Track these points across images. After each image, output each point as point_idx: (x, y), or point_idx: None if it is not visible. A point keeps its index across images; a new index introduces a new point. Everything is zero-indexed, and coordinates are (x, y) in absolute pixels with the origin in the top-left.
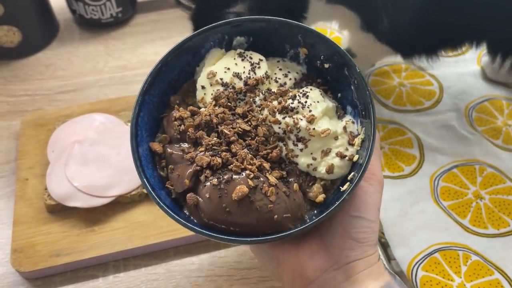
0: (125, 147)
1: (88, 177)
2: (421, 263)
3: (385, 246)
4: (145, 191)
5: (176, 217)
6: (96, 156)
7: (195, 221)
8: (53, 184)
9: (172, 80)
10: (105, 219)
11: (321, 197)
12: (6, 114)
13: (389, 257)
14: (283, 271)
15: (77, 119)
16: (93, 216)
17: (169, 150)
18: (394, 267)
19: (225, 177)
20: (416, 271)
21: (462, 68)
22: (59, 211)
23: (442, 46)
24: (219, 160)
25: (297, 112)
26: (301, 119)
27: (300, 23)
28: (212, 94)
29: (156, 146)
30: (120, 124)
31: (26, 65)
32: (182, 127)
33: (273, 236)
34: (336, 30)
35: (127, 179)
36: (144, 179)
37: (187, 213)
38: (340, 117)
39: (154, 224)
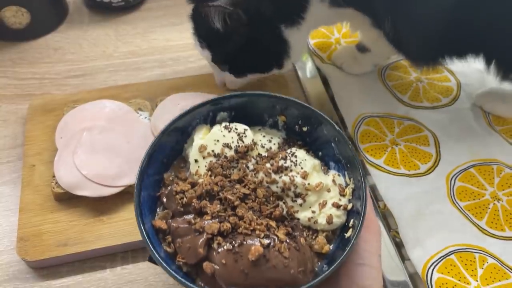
0: (135, 136)
1: (97, 166)
2: (436, 264)
3: (399, 246)
4: None
5: None
6: (105, 145)
7: None
8: (61, 172)
9: (163, 158)
10: (114, 209)
11: (327, 247)
12: (14, 97)
13: (404, 258)
14: None
15: (86, 105)
16: (102, 205)
17: (174, 224)
18: (408, 268)
19: (237, 240)
20: (432, 272)
21: (481, 65)
22: (67, 199)
23: (448, 56)
24: (228, 225)
25: (291, 170)
26: (296, 176)
27: (277, 94)
28: (205, 166)
29: (160, 223)
30: (130, 111)
31: (34, 47)
32: (185, 199)
33: None
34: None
35: (137, 168)
36: (157, 256)
37: (202, 285)
38: (325, 173)
39: None
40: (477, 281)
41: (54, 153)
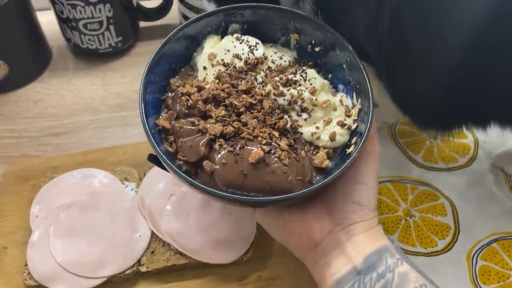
0: (120, 213)
1: (75, 252)
2: None
3: None
4: (141, 269)
5: (198, 184)
6: (86, 225)
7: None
8: (35, 260)
9: (172, 63)
10: None
11: (326, 162)
12: None
13: None
14: (290, 236)
15: (66, 176)
16: None
17: (177, 124)
18: None
19: (239, 144)
20: None
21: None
22: None
23: (460, 123)
24: (232, 128)
25: (300, 85)
26: (304, 91)
27: (293, 9)
28: (213, 74)
29: (163, 123)
30: (115, 183)
31: (12, 100)
32: (190, 101)
33: (290, 195)
34: None
35: (122, 254)
36: (160, 151)
37: (201, 183)
38: (333, 94)
39: None
40: None
41: (28, 232)
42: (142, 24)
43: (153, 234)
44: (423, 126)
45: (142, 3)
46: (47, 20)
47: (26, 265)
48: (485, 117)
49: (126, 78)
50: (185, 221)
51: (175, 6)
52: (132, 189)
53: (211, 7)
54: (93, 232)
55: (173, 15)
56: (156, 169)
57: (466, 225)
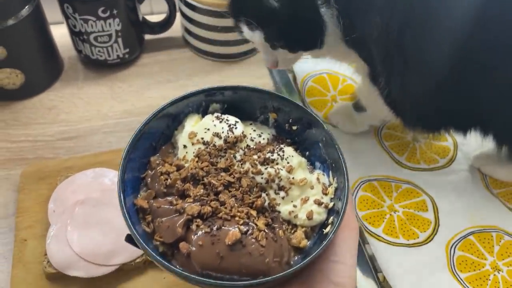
0: None
1: (91, 243)
2: None
3: None
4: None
5: (173, 268)
6: (99, 219)
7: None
8: (53, 250)
9: (152, 141)
10: None
11: (304, 242)
12: (6, 162)
13: None
14: None
15: (79, 175)
16: (95, 285)
17: (155, 204)
18: None
19: (216, 224)
20: None
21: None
22: (59, 278)
23: (445, 128)
24: (209, 208)
25: (277, 163)
26: (281, 169)
27: (270, 90)
28: (193, 152)
29: (142, 202)
30: None
31: (28, 107)
32: (169, 180)
33: (267, 278)
34: (348, 77)
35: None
36: (136, 234)
37: (177, 266)
38: (310, 172)
39: None
40: None
41: (47, 226)
42: (147, 37)
43: None
44: (411, 126)
45: (147, 17)
46: (59, 33)
47: (45, 255)
48: (466, 124)
49: (133, 87)
50: None
51: (178, 20)
52: None
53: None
54: (106, 225)
55: (176, 29)
56: None
57: (445, 220)
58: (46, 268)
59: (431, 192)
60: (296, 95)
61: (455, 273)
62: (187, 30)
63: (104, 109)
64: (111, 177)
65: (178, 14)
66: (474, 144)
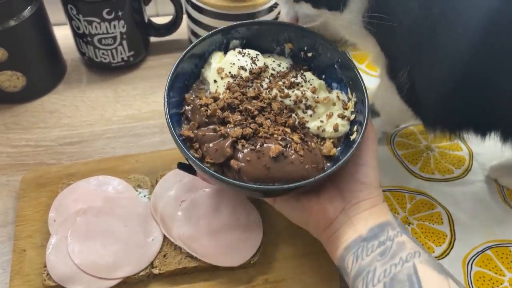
0: (133, 219)
1: (92, 254)
2: None
3: None
4: (154, 271)
5: (229, 180)
6: (101, 229)
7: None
8: (53, 262)
9: (185, 80)
10: None
11: (334, 151)
12: (6, 167)
13: None
14: (309, 217)
15: (81, 183)
16: None
17: (200, 132)
18: None
19: (259, 142)
20: None
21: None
22: None
23: (466, 128)
24: (250, 130)
25: (302, 86)
26: (306, 91)
27: (282, 21)
28: (224, 86)
29: (187, 132)
30: (129, 190)
31: (29, 110)
32: (209, 111)
33: (309, 180)
34: None
35: (136, 257)
36: (191, 156)
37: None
38: (329, 92)
39: None
40: None
41: (47, 236)
42: (153, 39)
43: (165, 238)
44: (431, 125)
45: (153, 19)
46: (62, 35)
47: (44, 266)
48: (488, 126)
49: (137, 91)
50: (195, 226)
51: (184, 22)
52: (145, 196)
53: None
54: (108, 236)
55: (182, 31)
56: (167, 177)
57: (462, 233)
58: (46, 281)
59: (446, 204)
60: None
61: None
62: (193, 33)
63: (108, 114)
64: (114, 185)
65: (184, 16)
66: (490, 154)
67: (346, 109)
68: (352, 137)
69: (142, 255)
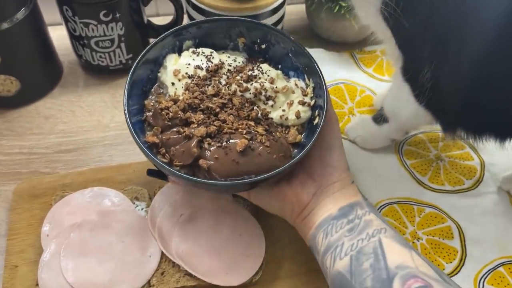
0: (130, 233)
1: (86, 272)
2: None
3: None
4: None
5: (202, 180)
6: (97, 245)
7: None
8: (45, 280)
9: (142, 87)
10: None
11: (299, 137)
12: None
13: None
14: (284, 205)
15: (76, 195)
16: None
17: (165, 137)
18: None
19: (224, 138)
20: None
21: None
22: None
23: (489, 130)
24: (214, 127)
25: (259, 78)
26: (265, 82)
27: (233, 16)
28: (182, 87)
29: (152, 138)
30: (125, 203)
31: (23, 115)
32: (170, 114)
33: (279, 169)
34: (366, 88)
35: (132, 274)
36: (160, 162)
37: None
38: (287, 81)
39: None
40: None
41: (39, 250)
42: (152, 40)
43: (163, 254)
44: (452, 127)
45: (152, 19)
46: (58, 36)
47: (37, 284)
48: (510, 131)
49: None
50: (194, 242)
51: (185, 23)
52: (142, 209)
53: None
54: (103, 252)
55: None
56: (165, 189)
57: (473, 249)
58: None
59: (456, 217)
60: None
61: None
62: None
63: (105, 119)
64: (111, 197)
65: (185, 17)
66: (503, 164)
67: (306, 95)
68: (315, 122)
69: (139, 272)
